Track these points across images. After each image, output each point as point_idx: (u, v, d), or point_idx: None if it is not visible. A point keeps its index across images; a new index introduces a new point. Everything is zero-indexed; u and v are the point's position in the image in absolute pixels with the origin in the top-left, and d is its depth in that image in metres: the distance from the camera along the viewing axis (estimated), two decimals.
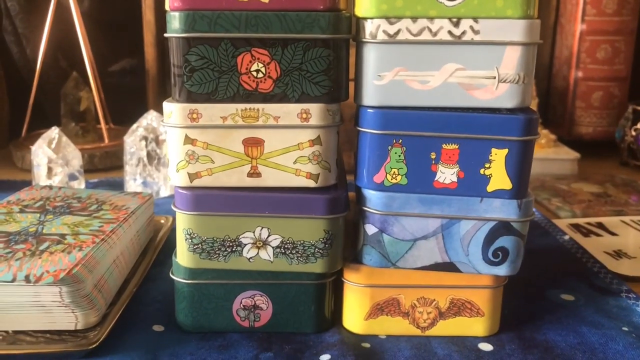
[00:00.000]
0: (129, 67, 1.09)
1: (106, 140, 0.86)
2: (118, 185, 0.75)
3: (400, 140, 0.38)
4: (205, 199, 0.38)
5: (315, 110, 0.37)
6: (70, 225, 0.47)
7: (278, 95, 0.37)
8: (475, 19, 0.36)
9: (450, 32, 0.36)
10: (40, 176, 0.72)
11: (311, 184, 0.38)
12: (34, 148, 0.72)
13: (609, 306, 0.46)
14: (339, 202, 0.39)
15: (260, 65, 0.37)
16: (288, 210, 0.38)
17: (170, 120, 0.37)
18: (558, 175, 0.81)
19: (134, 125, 0.71)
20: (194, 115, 0.37)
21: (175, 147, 0.38)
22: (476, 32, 0.36)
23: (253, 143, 0.38)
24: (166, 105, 0.38)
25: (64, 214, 0.49)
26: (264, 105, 0.37)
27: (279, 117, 0.37)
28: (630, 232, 0.61)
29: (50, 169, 0.72)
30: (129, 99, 1.07)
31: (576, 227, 0.62)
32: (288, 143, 0.38)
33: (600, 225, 0.63)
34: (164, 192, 0.72)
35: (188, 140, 0.38)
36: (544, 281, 0.50)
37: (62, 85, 0.93)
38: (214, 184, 0.39)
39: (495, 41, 0.36)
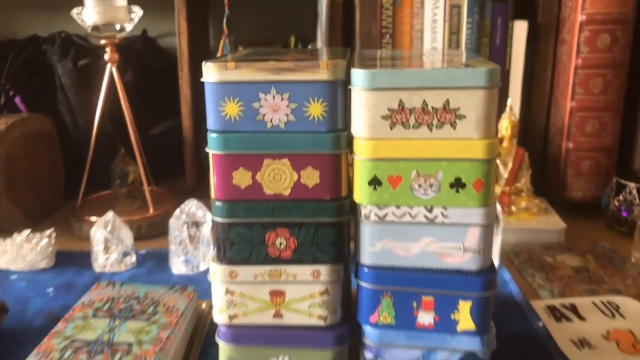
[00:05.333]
0: (167, 130, 1.22)
1: (151, 211, 0.99)
2: (164, 258, 0.88)
3: (390, 292, 0.49)
4: (241, 335, 0.51)
5: (324, 270, 0.49)
6: (135, 332, 0.60)
7: (296, 260, 0.49)
8: (444, 207, 0.47)
9: (425, 216, 0.48)
10: (99, 253, 0.85)
11: (321, 323, 0.50)
12: (92, 230, 0.85)
13: None
14: (342, 338, 0.51)
15: (283, 239, 0.49)
16: (303, 343, 0.51)
17: (215, 277, 0.50)
18: (547, 245, 0.92)
19: (177, 211, 0.84)
20: (233, 274, 0.49)
21: (218, 296, 0.50)
22: (445, 217, 0.48)
23: (277, 294, 0.50)
24: (212, 265, 0.50)
25: (128, 319, 0.62)
26: (285, 267, 0.49)
27: (297, 275, 0.49)
28: (597, 318, 0.72)
29: (107, 248, 0.85)
30: (167, 158, 1.20)
31: (551, 309, 0.73)
32: (303, 294, 0.50)
33: (572, 308, 0.74)
34: (202, 267, 0.85)
35: (228, 291, 0.50)
36: None
37: (109, 149, 1.06)
38: (247, 323, 0.51)
39: (460, 223, 0.48)
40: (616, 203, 0.95)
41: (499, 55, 1.02)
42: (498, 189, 0.97)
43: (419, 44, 1.03)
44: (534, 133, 1.08)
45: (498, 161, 0.97)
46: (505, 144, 0.97)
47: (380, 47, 1.02)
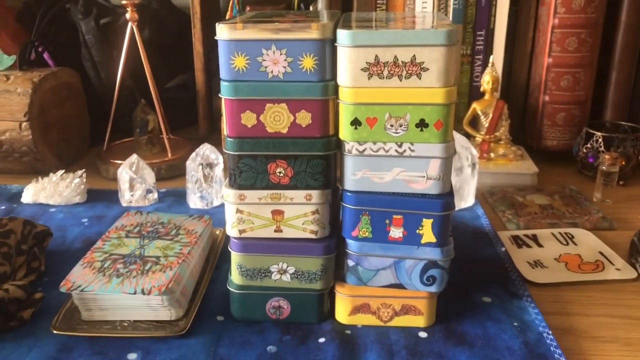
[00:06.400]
0: (182, 83, 1.33)
1: (169, 155, 1.11)
2: (182, 195, 1.00)
3: (367, 212, 0.61)
4: (249, 246, 0.63)
5: (315, 194, 0.61)
6: (161, 248, 0.72)
7: (292, 186, 0.61)
8: (411, 143, 0.59)
9: (396, 150, 0.59)
10: (125, 190, 0.97)
11: (313, 236, 0.63)
12: (119, 170, 0.97)
13: (512, 306, 0.69)
14: (330, 248, 0.63)
15: (281, 169, 0.60)
16: (299, 252, 0.63)
17: (228, 199, 0.62)
18: (520, 186, 1.03)
19: (193, 154, 0.96)
20: (242, 197, 0.61)
21: (230, 214, 0.62)
22: (412, 150, 0.59)
23: (277, 213, 0.62)
24: (225, 189, 0.62)
25: (155, 239, 0.75)
26: (284, 191, 0.61)
27: (293, 198, 0.61)
28: (553, 244, 0.84)
29: (132, 186, 0.98)
30: (182, 109, 1.31)
31: (515, 238, 0.85)
32: (299, 213, 0.62)
33: (533, 237, 0.86)
34: (216, 203, 0.97)
35: (238, 211, 0.62)
36: (475, 286, 0.73)
37: (130, 100, 1.17)
38: (254, 236, 0.63)
39: (424, 156, 0.59)
40: (584, 150, 1.06)
41: (485, 15, 1.12)
42: (479, 138, 1.08)
43: (412, 3, 1.12)
44: (516, 87, 1.18)
45: (479, 112, 1.08)
46: (486, 96, 1.08)
47: (376, 7, 1.12)
